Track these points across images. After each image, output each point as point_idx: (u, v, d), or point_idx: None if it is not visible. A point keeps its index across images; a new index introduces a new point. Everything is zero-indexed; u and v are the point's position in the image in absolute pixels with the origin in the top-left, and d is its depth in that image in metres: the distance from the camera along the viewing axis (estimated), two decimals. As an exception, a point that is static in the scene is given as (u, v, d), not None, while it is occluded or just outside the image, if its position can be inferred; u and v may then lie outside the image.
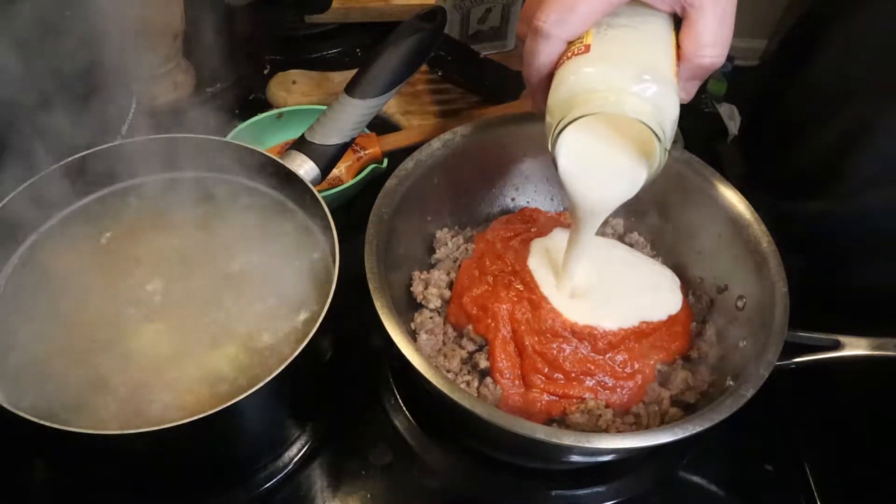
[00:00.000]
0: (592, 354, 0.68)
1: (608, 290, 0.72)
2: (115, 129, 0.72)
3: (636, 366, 0.68)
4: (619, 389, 0.68)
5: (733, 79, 1.23)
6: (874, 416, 0.79)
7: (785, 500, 0.70)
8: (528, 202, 0.82)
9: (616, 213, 0.81)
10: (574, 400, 0.67)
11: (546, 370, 0.67)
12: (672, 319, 0.71)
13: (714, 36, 0.57)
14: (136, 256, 0.66)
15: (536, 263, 0.71)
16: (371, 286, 0.64)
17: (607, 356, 0.68)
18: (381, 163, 0.87)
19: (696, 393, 0.68)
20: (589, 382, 0.67)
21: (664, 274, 0.75)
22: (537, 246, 0.74)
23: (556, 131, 0.56)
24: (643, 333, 0.69)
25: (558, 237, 0.75)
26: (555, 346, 0.67)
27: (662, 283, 0.74)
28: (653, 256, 0.79)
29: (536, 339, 0.67)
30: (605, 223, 0.81)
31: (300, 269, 0.66)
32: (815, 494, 0.69)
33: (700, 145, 0.93)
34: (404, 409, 0.73)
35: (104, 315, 0.62)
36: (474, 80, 0.99)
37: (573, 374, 0.67)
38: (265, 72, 1.02)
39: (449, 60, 0.98)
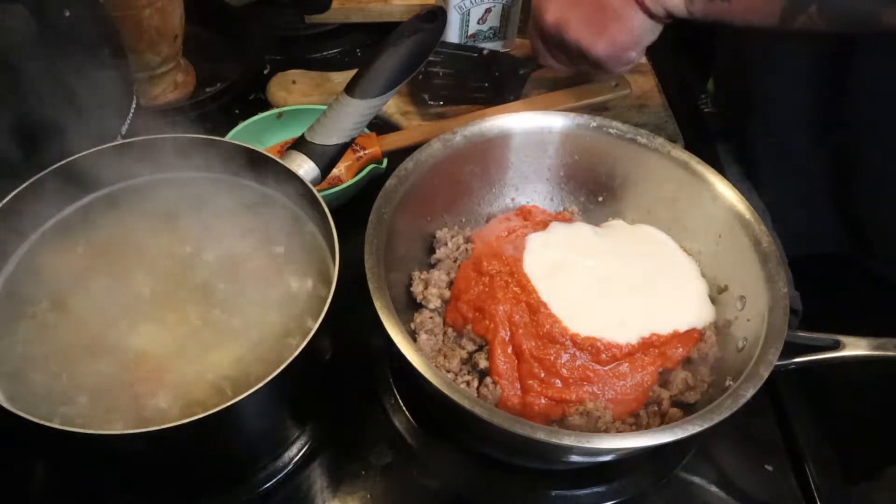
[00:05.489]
0: (592, 364, 0.67)
1: (623, 293, 0.70)
2: (115, 129, 0.72)
3: (638, 377, 0.68)
4: (619, 398, 0.67)
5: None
6: (874, 416, 0.79)
7: (785, 500, 0.70)
8: (527, 202, 0.82)
9: (616, 214, 0.81)
10: (573, 404, 0.66)
11: (543, 375, 0.67)
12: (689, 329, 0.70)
13: None
14: (136, 256, 0.66)
15: (533, 263, 0.71)
16: (371, 286, 0.64)
17: (608, 367, 0.67)
18: (381, 163, 0.87)
19: (696, 393, 0.68)
20: (588, 388, 0.67)
21: (695, 279, 0.74)
22: (535, 241, 0.73)
23: None
24: (652, 345, 0.68)
25: (557, 231, 0.75)
26: (552, 352, 0.67)
27: (690, 292, 0.73)
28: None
29: (534, 343, 0.67)
30: (604, 220, 0.81)
31: (300, 269, 0.66)
32: (815, 494, 0.69)
33: (700, 145, 0.93)
34: (404, 409, 0.73)
35: (103, 315, 0.62)
36: (480, 80, 0.98)
37: (571, 381, 0.67)
38: (265, 72, 1.02)
39: (444, 78, 0.96)
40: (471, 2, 0.99)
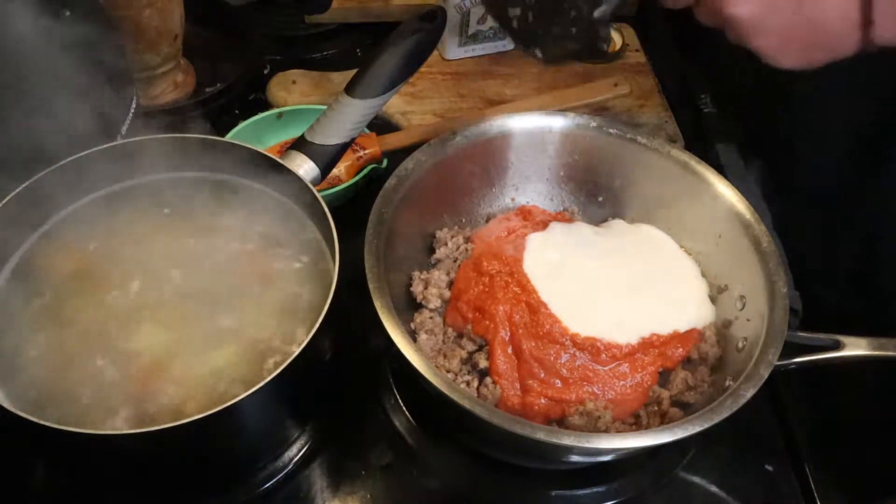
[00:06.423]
0: (592, 364, 0.67)
1: (623, 293, 0.71)
2: (115, 129, 0.72)
3: (638, 377, 0.68)
4: (619, 398, 0.67)
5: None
6: (874, 416, 0.79)
7: (785, 500, 0.70)
8: (527, 202, 0.82)
9: (616, 214, 0.81)
10: (573, 404, 0.66)
11: (543, 375, 0.67)
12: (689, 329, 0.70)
13: None
14: (136, 256, 0.66)
15: (533, 263, 0.71)
16: (371, 286, 0.64)
17: (608, 367, 0.67)
18: (381, 163, 0.87)
19: (696, 393, 0.68)
20: (588, 388, 0.67)
21: (695, 278, 0.74)
22: (534, 241, 0.73)
23: None
24: (651, 345, 0.69)
25: (557, 231, 0.75)
26: (552, 352, 0.67)
27: (690, 292, 0.73)
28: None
29: (534, 343, 0.67)
30: (604, 220, 0.81)
31: (300, 269, 0.66)
32: (815, 494, 0.69)
33: (700, 145, 0.93)
34: (404, 409, 0.73)
35: (104, 315, 0.62)
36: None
37: (571, 381, 0.67)
38: (265, 72, 1.02)
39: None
40: (471, 2, 0.99)
